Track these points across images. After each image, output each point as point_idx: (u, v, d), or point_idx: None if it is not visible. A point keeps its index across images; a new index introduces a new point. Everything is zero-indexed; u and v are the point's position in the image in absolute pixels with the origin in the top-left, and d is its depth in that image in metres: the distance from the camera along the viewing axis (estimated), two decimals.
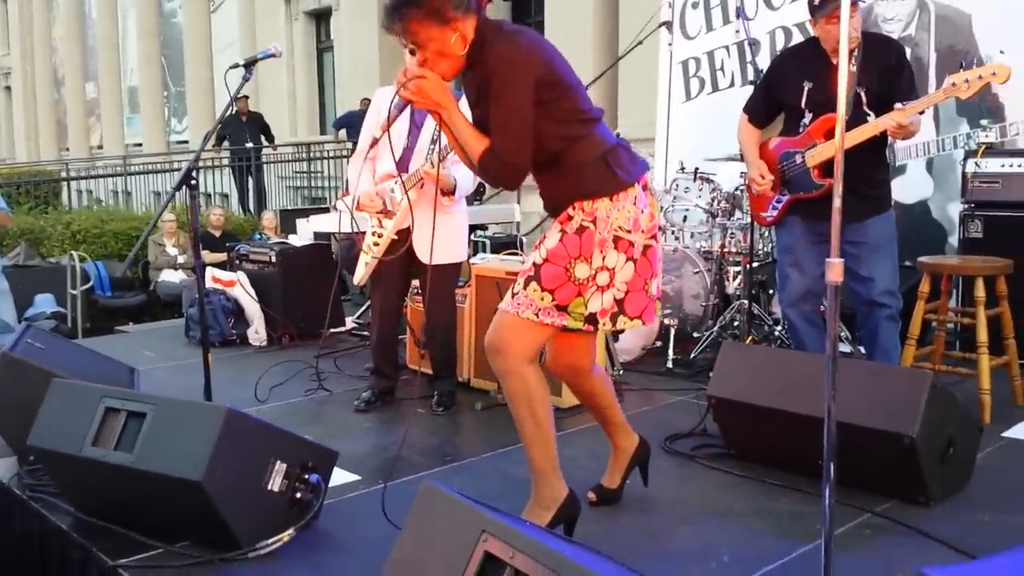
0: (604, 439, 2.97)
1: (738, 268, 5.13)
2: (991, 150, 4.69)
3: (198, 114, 20.19)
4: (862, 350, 4.31)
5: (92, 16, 24.62)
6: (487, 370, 4.30)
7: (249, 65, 3.24)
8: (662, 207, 5.26)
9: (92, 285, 8.80)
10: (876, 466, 2.88)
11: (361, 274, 4.08)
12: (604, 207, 2.51)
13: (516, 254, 5.00)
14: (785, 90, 3.81)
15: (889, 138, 3.72)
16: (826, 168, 3.68)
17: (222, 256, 7.50)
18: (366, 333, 5.60)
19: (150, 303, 9.04)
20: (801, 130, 3.77)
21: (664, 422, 3.76)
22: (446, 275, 4.02)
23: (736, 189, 5.21)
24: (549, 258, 2.53)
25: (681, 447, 3.50)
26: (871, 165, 3.67)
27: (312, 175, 14.56)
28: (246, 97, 12.98)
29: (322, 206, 11.37)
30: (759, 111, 3.97)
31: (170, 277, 8.91)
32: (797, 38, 5.61)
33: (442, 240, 3.86)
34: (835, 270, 1.92)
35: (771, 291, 5.14)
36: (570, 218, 2.54)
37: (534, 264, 2.55)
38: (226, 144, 13.24)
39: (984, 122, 4.99)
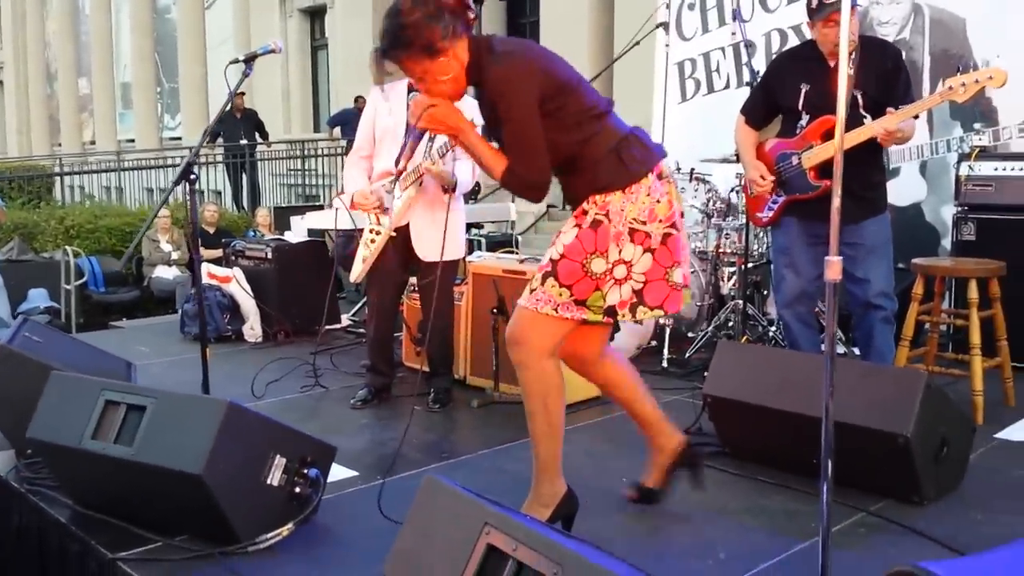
0: (601, 437, 2.99)
1: (733, 269, 5.16)
2: (984, 153, 4.73)
3: (191, 111, 20.16)
4: (856, 351, 4.34)
5: (86, 11, 24.55)
6: (483, 368, 4.34)
7: (249, 61, 3.24)
8: None
9: (85, 280, 8.79)
10: (871, 465, 2.90)
11: (358, 271, 4.09)
12: (617, 200, 2.52)
13: (512, 252, 5.02)
14: (782, 92, 3.83)
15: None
16: (822, 169, 3.71)
17: (217, 252, 7.51)
18: (362, 330, 5.61)
19: (143, 299, 9.03)
20: (798, 132, 3.80)
21: None
22: (444, 272, 4.03)
23: (731, 190, 5.24)
24: (565, 254, 2.54)
25: None
26: (867, 167, 3.69)
27: (306, 173, 14.55)
28: (242, 94, 12.97)
29: (315, 204, 11.38)
30: (756, 112, 3.99)
31: (164, 273, 8.90)
32: (793, 40, 5.65)
33: (440, 237, 3.88)
34: (834, 268, 1.94)
35: (766, 292, 5.17)
36: (584, 213, 2.55)
37: (551, 260, 2.56)
38: (220, 141, 13.23)
39: (977, 126, 5.03)
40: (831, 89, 2.02)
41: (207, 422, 2.50)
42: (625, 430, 3.82)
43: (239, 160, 13.28)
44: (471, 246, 6.34)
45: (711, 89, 6.33)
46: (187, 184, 3.22)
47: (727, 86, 6.21)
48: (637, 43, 5.57)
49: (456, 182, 3.85)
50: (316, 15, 17.36)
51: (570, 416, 3.81)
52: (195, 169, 3.20)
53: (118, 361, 3.91)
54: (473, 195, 7.35)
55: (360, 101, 12.23)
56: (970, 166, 4.69)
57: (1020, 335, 4.10)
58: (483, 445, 3.61)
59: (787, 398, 3.06)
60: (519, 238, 6.77)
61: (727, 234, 5.19)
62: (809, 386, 2.87)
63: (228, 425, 2.50)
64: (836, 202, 2.01)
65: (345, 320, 6.19)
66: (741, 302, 4.88)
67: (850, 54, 3.59)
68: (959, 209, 4.75)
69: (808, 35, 3.84)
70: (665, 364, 4.79)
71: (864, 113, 3.63)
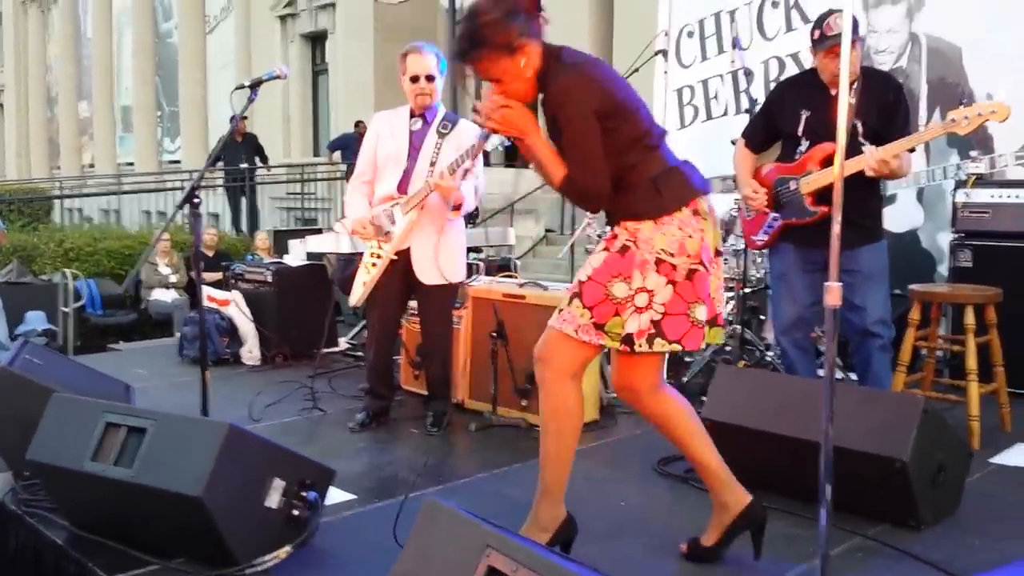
0: (602, 463, 2.98)
1: (731, 294, 5.18)
2: (981, 180, 4.77)
3: (191, 134, 20.24)
4: (853, 376, 4.35)
5: (88, 35, 24.71)
6: (481, 392, 4.35)
7: (255, 86, 3.27)
8: None
9: (83, 303, 8.79)
10: (868, 490, 2.90)
11: (358, 295, 4.10)
12: (647, 229, 2.52)
13: (512, 276, 5.03)
14: (783, 117, 3.87)
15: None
16: (820, 195, 3.73)
17: (217, 275, 7.52)
18: (359, 353, 5.61)
19: (140, 322, 9.03)
20: (797, 157, 3.83)
21: (657, 444, 3.74)
22: (444, 295, 4.05)
23: (730, 210, 5.26)
24: (592, 276, 2.55)
25: (674, 469, 3.52)
26: (864, 194, 3.71)
27: (305, 196, 14.60)
28: (244, 118, 13.03)
29: (314, 227, 11.41)
30: (757, 136, 4.03)
31: (161, 296, 8.91)
32: (791, 68, 5.70)
33: (441, 259, 3.90)
34: (834, 294, 1.96)
35: (763, 317, 5.18)
36: (615, 237, 2.57)
37: (579, 281, 2.58)
38: (220, 164, 13.28)
39: (974, 153, 5.07)
40: (831, 117, 2.05)
41: (208, 444, 2.50)
42: (624, 455, 3.84)
43: (239, 183, 13.32)
44: (470, 270, 6.36)
45: (709, 116, 6.37)
46: (190, 207, 3.24)
47: (725, 113, 6.26)
48: (636, 70, 5.63)
49: (463, 201, 3.86)
50: (317, 40, 17.49)
51: None
52: (198, 193, 3.22)
53: (117, 384, 3.91)
54: (471, 219, 7.40)
55: (360, 126, 12.30)
56: (966, 193, 4.73)
57: (1016, 361, 4.11)
58: (481, 469, 3.61)
59: (785, 423, 3.07)
60: (517, 262, 6.78)
61: (725, 259, 5.20)
62: (807, 411, 2.88)
63: (228, 447, 2.50)
64: (836, 228, 2.03)
65: (343, 343, 6.20)
66: (739, 327, 4.89)
67: (852, 84, 3.63)
68: (955, 236, 4.78)
69: (806, 63, 3.88)
70: None
71: (863, 142, 3.66)
